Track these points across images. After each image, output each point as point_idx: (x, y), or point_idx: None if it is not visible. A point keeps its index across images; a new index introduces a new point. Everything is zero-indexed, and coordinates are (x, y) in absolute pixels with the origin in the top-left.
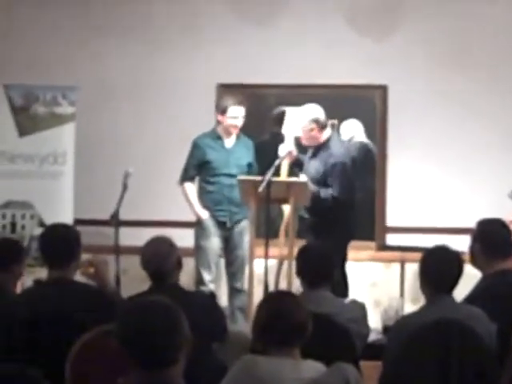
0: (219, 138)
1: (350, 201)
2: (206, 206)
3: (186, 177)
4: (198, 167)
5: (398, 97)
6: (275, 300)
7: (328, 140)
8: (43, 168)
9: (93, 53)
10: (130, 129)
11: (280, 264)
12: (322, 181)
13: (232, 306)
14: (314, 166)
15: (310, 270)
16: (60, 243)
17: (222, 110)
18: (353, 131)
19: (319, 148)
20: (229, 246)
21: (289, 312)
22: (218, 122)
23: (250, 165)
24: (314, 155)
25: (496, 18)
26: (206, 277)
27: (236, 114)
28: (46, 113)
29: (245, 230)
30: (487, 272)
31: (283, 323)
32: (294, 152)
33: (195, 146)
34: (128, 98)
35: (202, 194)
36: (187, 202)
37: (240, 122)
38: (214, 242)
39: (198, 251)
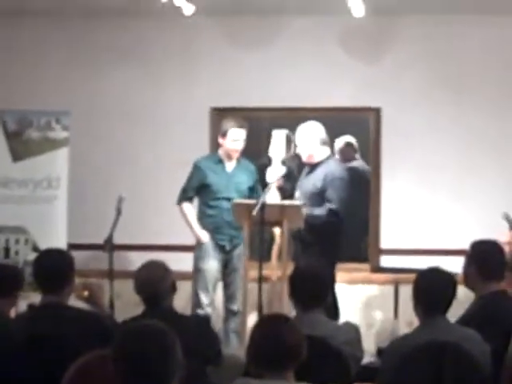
0: (220, 161)
1: (343, 215)
2: (205, 229)
3: (184, 197)
4: (198, 189)
5: (391, 119)
6: (269, 323)
7: (327, 158)
8: (37, 193)
9: (86, 77)
10: (124, 153)
11: (273, 286)
12: (320, 194)
13: (227, 329)
14: (311, 181)
15: (304, 292)
16: (54, 268)
17: (222, 133)
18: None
19: (317, 165)
20: (227, 269)
21: (283, 335)
22: (219, 145)
23: (251, 189)
24: (311, 171)
25: (488, 40)
26: (204, 300)
27: (237, 137)
28: (40, 138)
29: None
30: (481, 293)
31: (277, 347)
32: (280, 181)
33: (196, 168)
34: (121, 122)
35: (202, 218)
36: (186, 223)
37: (241, 145)
38: (213, 265)
39: (197, 274)
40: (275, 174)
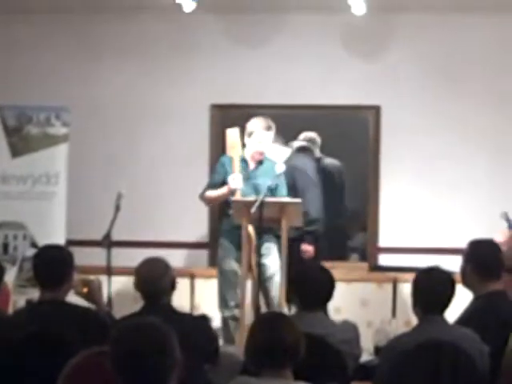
0: (244, 160)
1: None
2: (224, 230)
3: (206, 190)
4: (220, 185)
5: (391, 117)
6: (268, 322)
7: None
8: (36, 189)
9: (86, 74)
10: (123, 150)
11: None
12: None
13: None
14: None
15: (308, 292)
16: (53, 265)
17: (248, 133)
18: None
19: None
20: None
21: (281, 334)
22: (244, 145)
23: (271, 189)
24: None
25: (487, 38)
26: (231, 301)
27: (261, 139)
28: (39, 133)
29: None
30: (479, 293)
31: (275, 345)
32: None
33: (220, 164)
34: (121, 118)
35: (223, 217)
36: (215, 200)
37: (265, 148)
38: (235, 266)
39: (221, 275)
40: (238, 180)
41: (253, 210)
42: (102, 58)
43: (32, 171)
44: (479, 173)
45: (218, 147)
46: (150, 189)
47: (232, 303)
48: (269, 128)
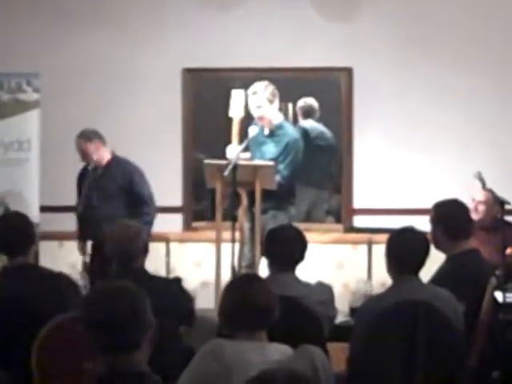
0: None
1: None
2: None
3: None
4: None
5: (363, 79)
6: (242, 284)
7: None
8: (8, 155)
9: (56, 40)
10: (95, 115)
11: (242, 247)
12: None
13: None
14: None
15: (279, 253)
16: (20, 230)
17: None
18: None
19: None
20: None
21: (254, 296)
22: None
23: (273, 160)
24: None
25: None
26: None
27: (251, 104)
28: (11, 100)
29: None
30: (452, 253)
31: (250, 308)
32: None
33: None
34: (92, 84)
35: None
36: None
37: (260, 113)
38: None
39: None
40: (235, 149)
41: (226, 173)
42: (72, 24)
43: (3, 138)
44: (453, 133)
45: (190, 111)
46: (122, 153)
47: (243, 264)
48: (254, 93)
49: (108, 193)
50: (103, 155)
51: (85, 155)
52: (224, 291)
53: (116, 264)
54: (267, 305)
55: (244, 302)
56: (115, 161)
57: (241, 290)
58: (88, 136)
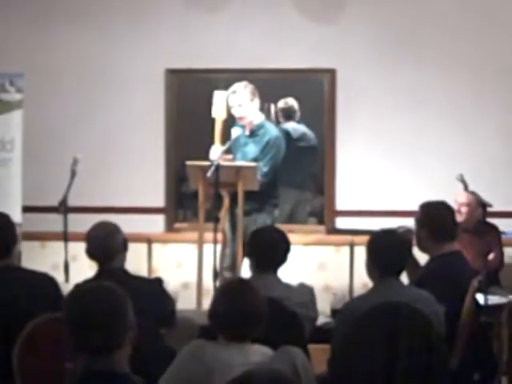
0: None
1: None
2: None
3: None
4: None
5: (346, 81)
6: (235, 292)
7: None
8: None
9: (40, 40)
10: (78, 115)
11: (224, 248)
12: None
13: None
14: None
15: (262, 254)
16: (4, 232)
17: None
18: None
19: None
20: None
21: (250, 306)
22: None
23: (255, 160)
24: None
25: (445, 2)
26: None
27: (231, 103)
28: None
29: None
30: (435, 254)
31: (246, 317)
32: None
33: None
34: (76, 84)
35: None
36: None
37: (240, 113)
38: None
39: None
40: (218, 150)
41: (208, 174)
42: (56, 24)
43: None
44: (435, 136)
45: (173, 112)
46: (105, 154)
47: (224, 265)
48: (233, 92)
49: None
50: None
51: None
52: (216, 297)
53: (97, 263)
54: (259, 313)
55: (241, 312)
56: None
57: (235, 300)
58: None
